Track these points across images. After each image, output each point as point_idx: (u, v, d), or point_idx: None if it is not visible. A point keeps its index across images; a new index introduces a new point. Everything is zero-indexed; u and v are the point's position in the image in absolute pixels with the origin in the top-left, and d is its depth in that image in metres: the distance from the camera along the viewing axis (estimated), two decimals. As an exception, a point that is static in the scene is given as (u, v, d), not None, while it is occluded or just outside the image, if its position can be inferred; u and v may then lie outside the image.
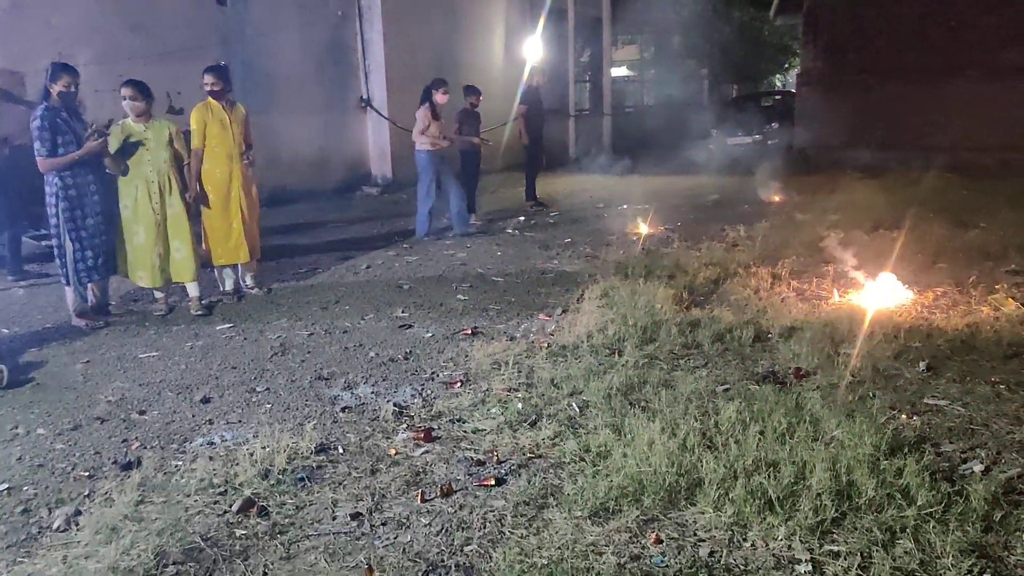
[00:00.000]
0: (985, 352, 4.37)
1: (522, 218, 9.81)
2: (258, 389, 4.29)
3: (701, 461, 3.04)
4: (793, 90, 18.47)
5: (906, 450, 3.19)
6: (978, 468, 3.07)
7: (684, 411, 3.65)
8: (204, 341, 5.20)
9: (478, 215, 9.54)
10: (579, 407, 3.79)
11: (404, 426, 3.69)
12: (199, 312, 5.84)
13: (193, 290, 5.96)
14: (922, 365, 4.13)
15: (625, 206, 10.34)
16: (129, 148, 5.57)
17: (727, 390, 3.95)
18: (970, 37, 12.15)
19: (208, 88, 6.01)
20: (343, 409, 3.94)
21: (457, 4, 14.28)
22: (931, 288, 5.75)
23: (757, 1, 25.50)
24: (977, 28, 12.11)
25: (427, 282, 6.71)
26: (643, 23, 21.76)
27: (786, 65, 25.39)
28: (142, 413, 3.98)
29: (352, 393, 4.18)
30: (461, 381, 4.28)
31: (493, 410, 3.81)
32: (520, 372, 4.35)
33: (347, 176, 12.88)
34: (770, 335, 4.74)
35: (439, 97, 8.20)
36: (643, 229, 8.62)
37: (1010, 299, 5.17)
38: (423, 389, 4.20)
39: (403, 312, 5.77)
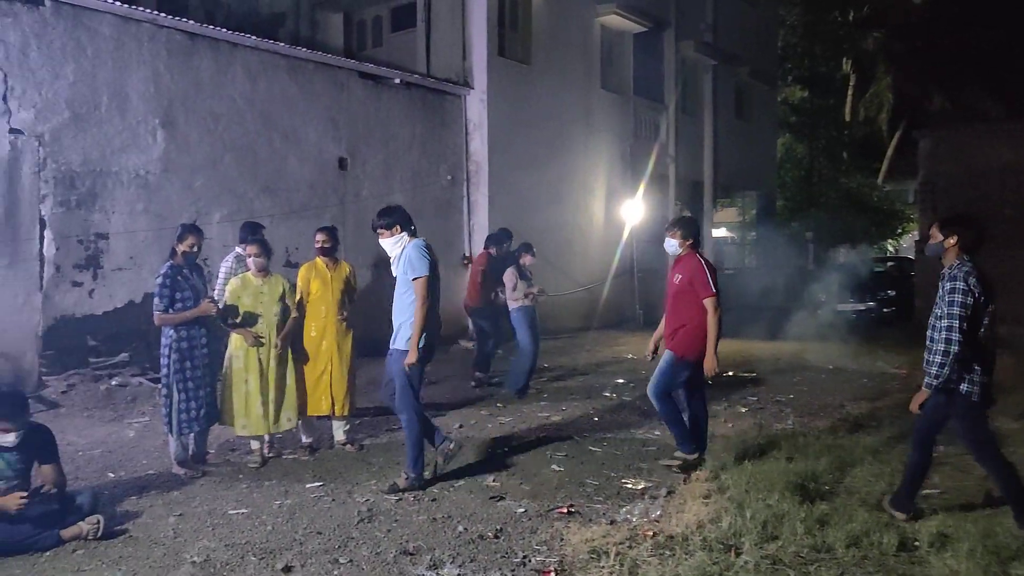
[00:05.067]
0: None
1: (620, 380, 9.47)
2: (341, 560, 4.06)
3: None
4: (909, 256, 17.77)
5: None
6: None
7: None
8: (293, 500, 5.06)
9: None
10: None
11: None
12: (306, 457, 6.09)
13: (306, 435, 6.25)
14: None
15: (729, 372, 9.86)
16: (235, 309, 5.81)
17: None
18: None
19: (319, 246, 6.36)
20: (427, 595, 3.63)
21: (561, 169, 14.75)
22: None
23: (866, 167, 25.39)
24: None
25: (520, 447, 6.41)
26: (743, 186, 21.89)
27: (899, 231, 24.71)
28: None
29: (437, 574, 3.88)
30: (555, 571, 3.90)
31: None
32: (622, 566, 3.92)
33: (444, 330, 12.94)
34: (917, 542, 4.11)
35: (526, 259, 8.64)
36: (751, 399, 8.12)
37: None
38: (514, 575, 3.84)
39: (494, 481, 5.48)
